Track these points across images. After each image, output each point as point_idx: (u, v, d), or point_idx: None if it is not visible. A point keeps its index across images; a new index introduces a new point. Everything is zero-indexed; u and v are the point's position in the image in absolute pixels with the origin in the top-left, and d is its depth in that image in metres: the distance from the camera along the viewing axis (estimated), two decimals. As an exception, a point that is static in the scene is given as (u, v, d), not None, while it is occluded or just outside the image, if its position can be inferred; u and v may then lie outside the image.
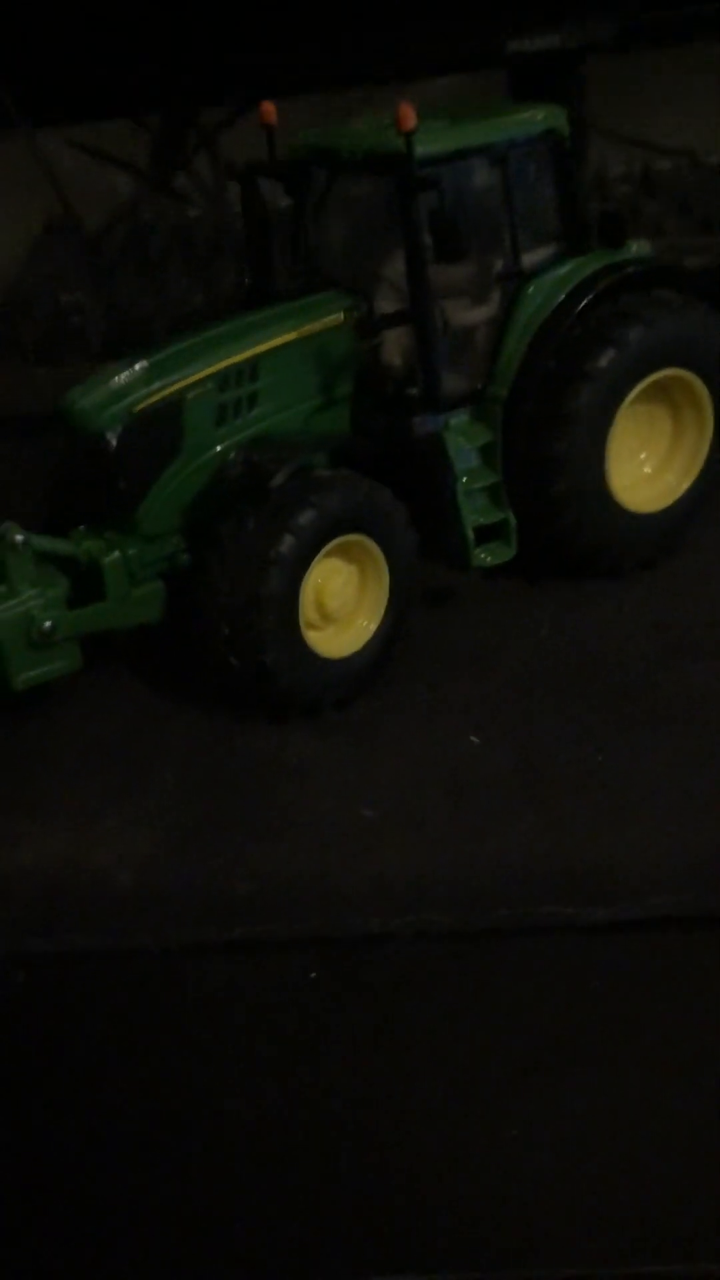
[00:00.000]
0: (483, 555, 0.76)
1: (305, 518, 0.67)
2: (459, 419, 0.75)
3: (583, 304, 0.73)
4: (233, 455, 0.70)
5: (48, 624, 0.69)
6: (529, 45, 1.29)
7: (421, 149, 0.68)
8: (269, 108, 0.76)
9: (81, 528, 0.73)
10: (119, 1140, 0.50)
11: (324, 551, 0.69)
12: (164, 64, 1.33)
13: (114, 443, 0.69)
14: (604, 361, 0.73)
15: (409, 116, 0.67)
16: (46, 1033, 0.55)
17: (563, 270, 0.75)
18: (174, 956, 0.57)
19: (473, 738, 0.68)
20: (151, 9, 1.31)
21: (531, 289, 0.74)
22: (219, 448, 0.72)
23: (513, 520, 0.75)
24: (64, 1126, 0.50)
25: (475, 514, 0.76)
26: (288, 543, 0.67)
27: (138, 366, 0.71)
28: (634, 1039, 0.51)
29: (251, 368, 0.72)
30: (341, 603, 0.70)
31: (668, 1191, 0.45)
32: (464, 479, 0.74)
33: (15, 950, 0.57)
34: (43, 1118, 0.51)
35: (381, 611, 0.72)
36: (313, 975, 0.56)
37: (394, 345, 0.75)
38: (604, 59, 1.32)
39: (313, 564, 0.68)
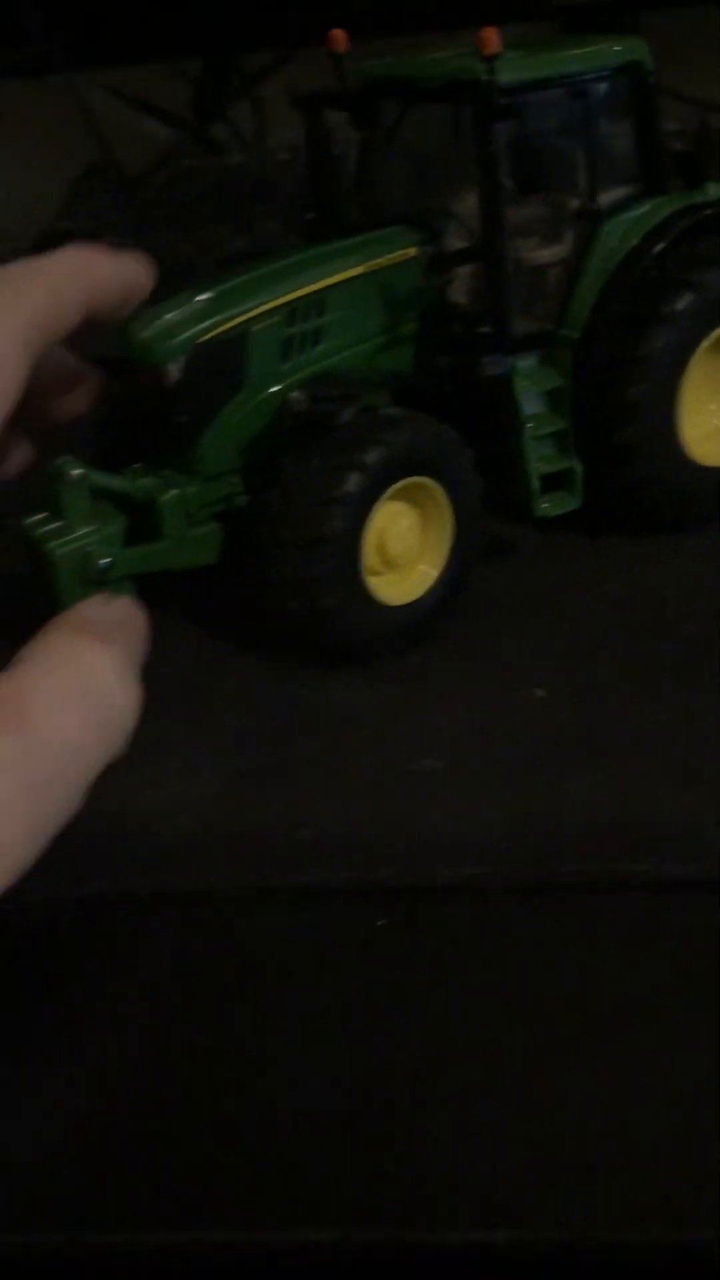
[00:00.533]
0: (546, 505, 0.73)
1: (373, 456, 0.64)
2: (527, 362, 0.72)
3: (660, 246, 0.71)
4: (295, 392, 0.68)
5: (104, 561, 0.67)
6: (579, -4, 1.25)
7: (503, 76, 0.66)
8: (339, 35, 0.73)
9: (137, 465, 0.71)
10: (175, 1081, 0.48)
11: (388, 493, 0.66)
12: (205, 8, 1.30)
13: (175, 375, 0.66)
14: (681, 304, 0.70)
15: (493, 40, 0.64)
16: (105, 974, 0.53)
17: (640, 210, 0.72)
18: (238, 900, 0.55)
19: (537, 691, 0.66)
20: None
21: (607, 229, 0.71)
22: (282, 384, 0.69)
23: (579, 469, 0.73)
24: (122, 1064, 0.49)
25: (541, 461, 0.73)
26: (354, 480, 0.64)
27: (201, 297, 0.69)
28: (706, 998, 0.50)
29: (319, 301, 0.70)
30: (404, 547, 0.68)
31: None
32: (530, 425, 0.72)
33: (74, 893, 0.56)
34: (101, 1056, 0.49)
35: (444, 558, 0.70)
36: (380, 923, 0.54)
37: (460, 284, 0.73)
38: (656, 13, 1.29)
39: (377, 505, 0.66)
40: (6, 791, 0.27)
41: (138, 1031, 0.50)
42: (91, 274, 0.42)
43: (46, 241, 1.17)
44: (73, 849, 0.58)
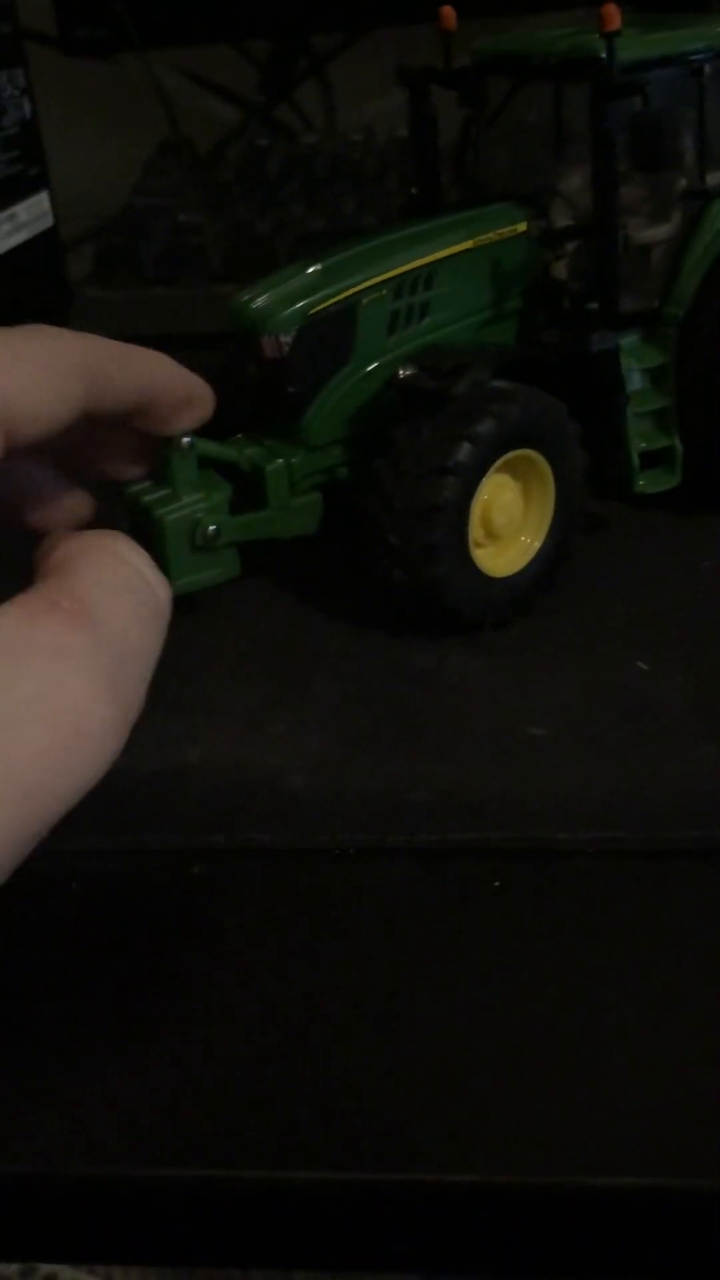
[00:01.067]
0: (644, 482, 0.74)
1: (486, 427, 0.65)
2: (630, 340, 0.73)
3: (768, 226, 0.71)
4: (403, 364, 0.69)
5: (212, 528, 0.68)
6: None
7: (622, 54, 0.66)
8: (449, 12, 0.74)
9: (240, 435, 0.72)
10: (293, 1026, 0.49)
11: (496, 465, 0.67)
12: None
13: (287, 345, 0.67)
14: (789, 285, 0.71)
15: (614, 16, 0.64)
16: (222, 924, 0.55)
17: (749, 191, 0.72)
18: (354, 858, 0.56)
19: (640, 664, 0.67)
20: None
21: (715, 209, 0.72)
22: (389, 356, 0.70)
23: (679, 448, 0.74)
24: (240, 1008, 0.50)
25: (641, 439, 0.73)
26: (466, 451, 0.65)
27: (311, 270, 0.69)
28: None
29: (427, 275, 0.70)
30: (509, 519, 0.69)
31: None
32: (632, 402, 0.73)
33: (194, 844, 0.57)
34: (220, 998, 0.50)
35: (545, 531, 0.71)
36: (498, 884, 0.55)
37: (566, 260, 0.73)
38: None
39: (486, 477, 0.67)
40: (89, 683, 0.27)
41: (255, 979, 0.51)
42: (158, 363, 0.45)
43: (125, 216, 1.18)
44: (188, 803, 0.59)
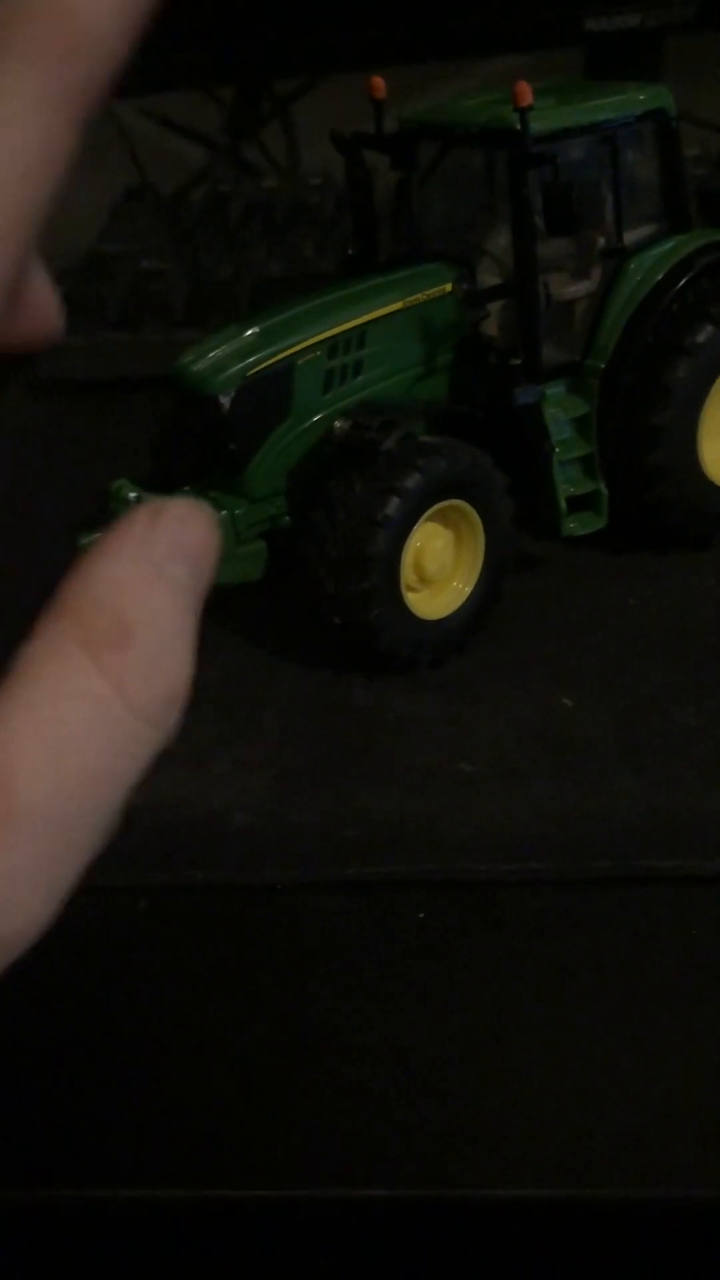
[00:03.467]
0: (573, 525, 0.78)
1: (412, 481, 0.69)
2: (555, 390, 0.76)
3: (683, 281, 0.75)
4: (338, 420, 0.73)
5: None
6: (608, 24, 1.29)
7: (535, 125, 0.70)
8: (378, 82, 0.78)
9: (186, 487, 0.76)
10: (229, 1057, 0.53)
11: (426, 515, 0.71)
12: (237, 34, 1.35)
13: (227, 405, 0.71)
14: (702, 337, 0.74)
15: (526, 94, 0.68)
16: (166, 958, 0.58)
17: (664, 247, 0.76)
18: (289, 892, 0.60)
19: (566, 700, 0.71)
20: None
21: (633, 265, 0.75)
22: (325, 412, 0.74)
23: (604, 491, 0.77)
24: (180, 1043, 0.53)
25: (568, 484, 0.77)
26: (394, 504, 0.69)
27: (249, 332, 0.73)
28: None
29: (360, 336, 0.74)
30: (440, 565, 0.73)
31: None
32: (558, 449, 0.77)
33: (138, 881, 0.60)
34: (160, 1033, 0.54)
35: (477, 576, 0.74)
36: (421, 915, 0.59)
37: (493, 318, 0.77)
38: (681, 38, 1.33)
39: (415, 527, 0.71)
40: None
41: (192, 1010, 0.54)
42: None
43: (89, 262, 1.22)
44: (133, 842, 0.63)
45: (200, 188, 1.38)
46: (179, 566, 0.28)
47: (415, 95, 1.19)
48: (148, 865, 0.60)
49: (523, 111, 0.67)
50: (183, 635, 0.28)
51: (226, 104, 1.50)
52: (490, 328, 0.76)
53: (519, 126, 0.68)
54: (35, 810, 0.23)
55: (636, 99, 0.73)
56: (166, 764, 0.67)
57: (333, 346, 0.72)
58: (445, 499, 0.70)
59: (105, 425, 1.03)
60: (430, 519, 0.71)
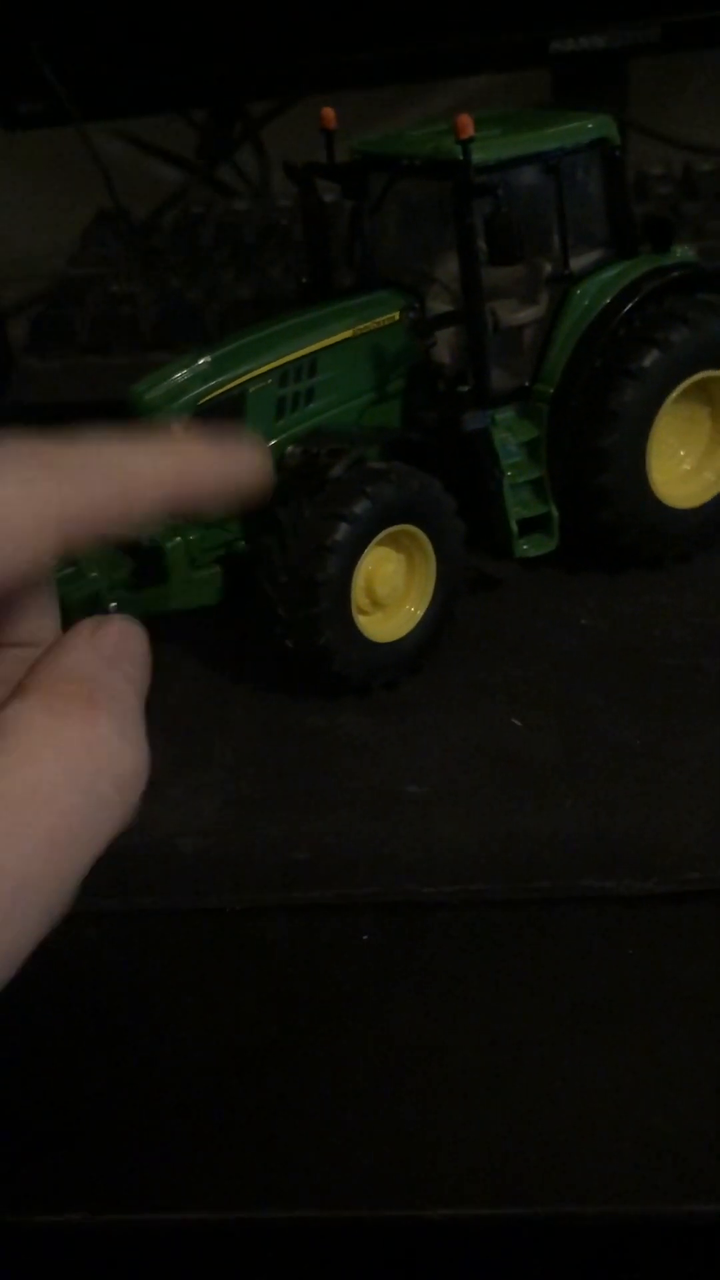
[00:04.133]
0: (525, 546, 0.79)
1: (360, 507, 0.70)
2: (505, 415, 0.77)
3: (629, 306, 0.76)
4: (290, 447, 0.74)
5: (113, 605, 0.72)
6: (572, 45, 1.31)
7: (478, 156, 0.71)
8: (329, 113, 0.79)
9: None
10: (179, 1084, 0.53)
11: (376, 540, 0.72)
12: (210, 59, 1.36)
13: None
14: (648, 361, 0.76)
15: (467, 126, 0.69)
16: (116, 985, 0.59)
17: (610, 273, 0.77)
18: (236, 917, 0.61)
19: (515, 720, 0.72)
20: (196, 5, 1.35)
21: (580, 291, 0.77)
22: (278, 439, 0.75)
23: (555, 513, 0.78)
24: (130, 1067, 0.54)
25: (519, 507, 0.78)
26: (343, 530, 0.70)
27: (201, 361, 0.74)
28: (667, 1002, 0.55)
29: (310, 363, 0.75)
30: (391, 589, 0.74)
31: (689, 1135, 0.49)
32: (509, 473, 0.77)
33: (88, 908, 0.61)
34: (111, 1058, 0.55)
35: (428, 598, 0.75)
36: (365, 937, 0.59)
37: (444, 343, 0.78)
38: (645, 59, 1.35)
39: (365, 552, 0.72)
40: None
41: (141, 1037, 0.55)
42: (182, 480, 0.33)
43: (60, 286, 1.23)
44: (93, 869, 0.63)
45: (173, 211, 1.40)
46: (126, 664, 0.31)
47: (385, 116, 1.21)
48: (98, 892, 0.61)
49: (464, 144, 0.68)
50: (138, 719, 0.31)
51: (200, 126, 1.52)
52: (441, 354, 0.77)
53: (461, 158, 0.69)
54: None
55: (581, 128, 0.74)
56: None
57: (284, 374, 0.73)
58: (395, 524, 0.71)
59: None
60: (381, 543, 0.72)
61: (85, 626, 0.30)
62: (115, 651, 0.30)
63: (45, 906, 0.26)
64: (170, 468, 0.33)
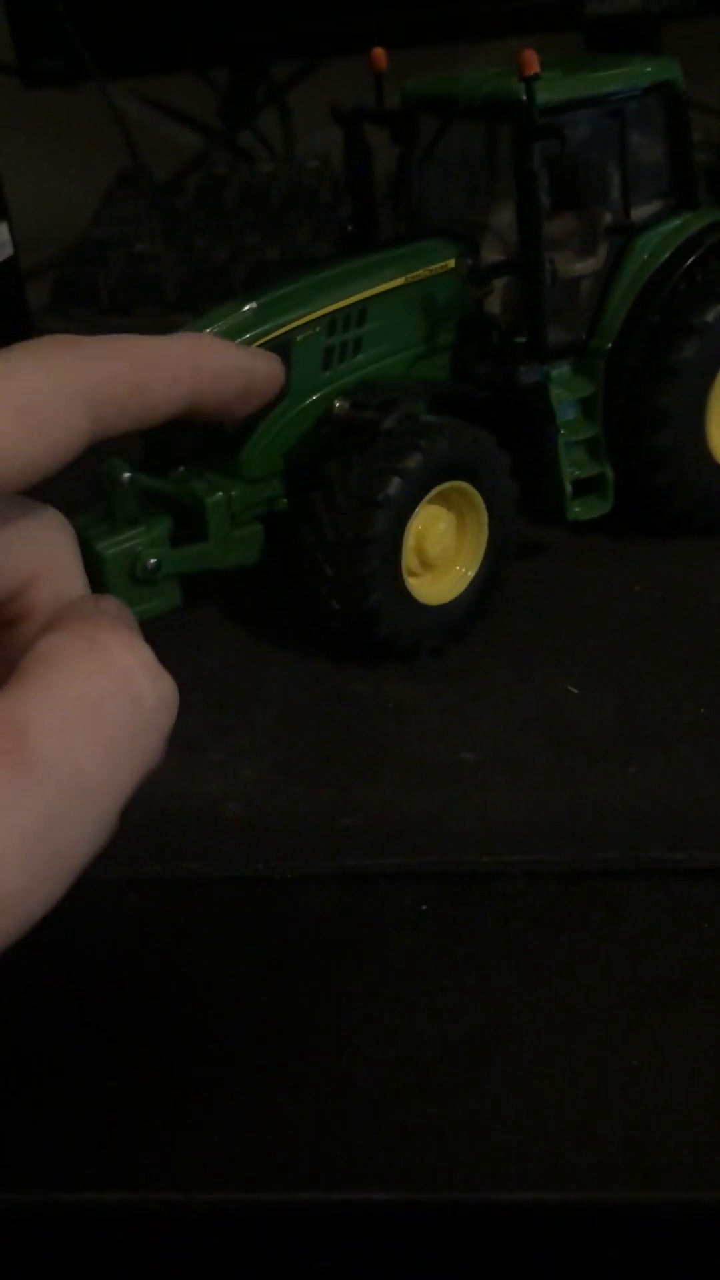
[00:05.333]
0: (578, 509, 0.76)
1: (413, 461, 0.67)
2: (560, 371, 0.74)
3: (691, 259, 0.73)
4: (338, 399, 0.71)
5: (152, 561, 0.69)
6: (609, 7, 1.27)
7: (541, 96, 0.68)
8: (380, 54, 0.75)
9: (182, 468, 0.74)
10: (224, 1056, 0.51)
11: (427, 497, 0.69)
12: (233, 18, 1.33)
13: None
14: (711, 316, 0.72)
15: (532, 62, 0.66)
16: (156, 952, 0.56)
17: (671, 225, 0.74)
18: (285, 884, 0.58)
19: (570, 688, 0.69)
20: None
21: (640, 243, 0.73)
22: (324, 391, 0.72)
23: (610, 474, 0.76)
24: (172, 1039, 0.51)
25: (573, 467, 0.75)
26: (395, 485, 0.67)
27: (246, 308, 0.71)
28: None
29: (360, 312, 0.72)
30: (442, 549, 0.71)
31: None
32: (563, 431, 0.75)
33: (130, 874, 0.58)
34: (152, 1030, 0.52)
35: (479, 560, 0.72)
36: (424, 908, 0.57)
37: (497, 295, 0.75)
38: (679, 23, 1.31)
39: (416, 509, 0.69)
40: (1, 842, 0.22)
41: (185, 1007, 0.52)
42: (197, 365, 0.36)
43: (83, 246, 1.20)
44: (125, 833, 0.61)
45: (196, 173, 1.36)
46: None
47: (414, 77, 1.17)
48: (139, 858, 0.58)
49: (529, 81, 0.65)
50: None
51: (222, 88, 1.48)
52: (494, 305, 0.74)
53: (524, 98, 0.66)
54: (47, 764, 0.24)
55: (644, 71, 0.71)
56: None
57: (332, 323, 0.70)
58: (447, 480, 0.68)
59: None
60: (432, 501, 0.69)
61: (114, 642, 0.30)
62: (103, 702, 0.29)
63: (100, 812, 0.27)
64: (189, 357, 0.36)
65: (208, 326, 0.70)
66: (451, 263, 0.72)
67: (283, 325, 0.69)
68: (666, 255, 0.73)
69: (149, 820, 0.61)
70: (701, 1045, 0.49)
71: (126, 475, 0.68)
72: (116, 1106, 0.49)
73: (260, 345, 0.69)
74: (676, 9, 1.27)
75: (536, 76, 0.65)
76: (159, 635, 0.76)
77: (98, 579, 0.68)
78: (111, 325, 1.13)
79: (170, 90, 1.46)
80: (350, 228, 0.78)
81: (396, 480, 0.66)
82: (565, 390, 0.73)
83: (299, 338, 0.69)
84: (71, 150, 1.40)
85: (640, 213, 0.73)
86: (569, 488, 0.73)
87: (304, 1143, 0.47)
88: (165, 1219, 0.46)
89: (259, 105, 1.49)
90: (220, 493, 0.70)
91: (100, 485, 0.68)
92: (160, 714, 0.28)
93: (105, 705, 0.26)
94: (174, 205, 1.26)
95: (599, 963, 0.54)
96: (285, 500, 0.72)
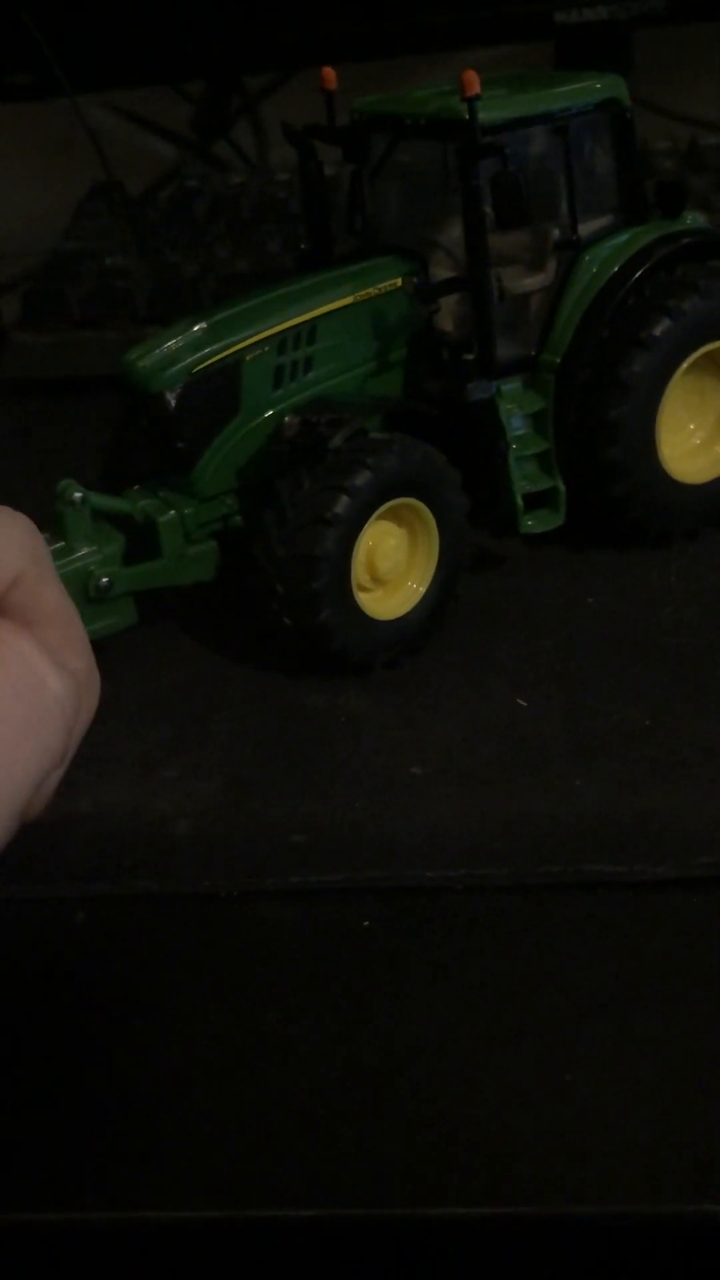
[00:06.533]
0: (531, 522, 0.76)
1: (361, 479, 0.68)
2: (511, 386, 0.75)
3: (639, 273, 0.74)
4: (288, 417, 0.72)
5: (104, 580, 0.70)
6: (578, 17, 1.28)
7: (484, 115, 0.69)
8: (329, 73, 0.76)
9: (137, 487, 0.74)
10: (172, 1073, 0.51)
11: (377, 514, 0.70)
12: (207, 30, 1.33)
13: (172, 403, 0.69)
14: (659, 330, 0.73)
15: (473, 83, 0.67)
16: (104, 971, 0.57)
17: (619, 239, 0.75)
18: (231, 901, 0.59)
19: (520, 700, 0.69)
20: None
21: (588, 257, 0.74)
22: (275, 409, 0.73)
23: (562, 488, 0.76)
24: (119, 1058, 0.52)
25: (525, 481, 0.76)
26: (343, 503, 0.67)
27: (196, 328, 0.72)
28: (682, 989, 0.53)
29: (309, 330, 0.73)
30: (392, 565, 0.71)
31: (700, 1131, 0.47)
32: (514, 445, 0.75)
33: (77, 892, 0.59)
34: (99, 1049, 0.53)
35: (431, 575, 0.73)
36: (366, 923, 0.57)
37: (447, 311, 0.76)
38: (650, 32, 1.32)
39: (366, 526, 0.69)
40: None
41: (131, 1025, 0.53)
42: None
43: (54, 260, 1.21)
44: (74, 851, 0.61)
45: (168, 186, 1.37)
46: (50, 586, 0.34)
47: (385, 90, 1.18)
48: (87, 875, 0.59)
49: (470, 101, 0.66)
50: (81, 628, 0.33)
51: (196, 100, 1.49)
52: (444, 322, 0.74)
53: (467, 117, 0.66)
54: None
55: (590, 89, 0.72)
56: (113, 771, 0.65)
57: (281, 342, 0.71)
58: (397, 497, 0.69)
59: (68, 424, 1.02)
60: (382, 517, 0.70)
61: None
62: (53, 607, 0.32)
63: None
64: None
65: (157, 347, 0.71)
66: (399, 281, 0.73)
67: (232, 345, 0.70)
68: (615, 269, 0.73)
69: (99, 838, 0.62)
70: (639, 1056, 0.50)
71: (78, 495, 0.68)
72: (59, 1126, 0.49)
73: (210, 365, 0.70)
74: (646, 18, 1.27)
75: (478, 97, 0.66)
76: (116, 652, 0.77)
77: None
78: (82, 338, 1.14)
79: (144, 102, 1.47)
80: (304, 245, 0.79)
81: (345, 498, 0.66)
82: (516, 405, 0.74)
83: (248, 357, 0.70)
84: (45, 164, 1.41)
85: (588, 228, 0.74)
86: (520, 501, 0.74)
87: (242, 1159, 0.47)
88: (100, 1236, 0.47)
89: (233, 117, 1.49)
90: (173, 511, 0.71)
91: (54, 505, 0.69)
92: (62, 710, 0.28)
93: (11, 685, 0.27)
94: (145, 218, 1.27)
95: (541, 976, 0.54)
96: (240, 517, 0.73)
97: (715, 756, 0.62)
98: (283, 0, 1.33)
